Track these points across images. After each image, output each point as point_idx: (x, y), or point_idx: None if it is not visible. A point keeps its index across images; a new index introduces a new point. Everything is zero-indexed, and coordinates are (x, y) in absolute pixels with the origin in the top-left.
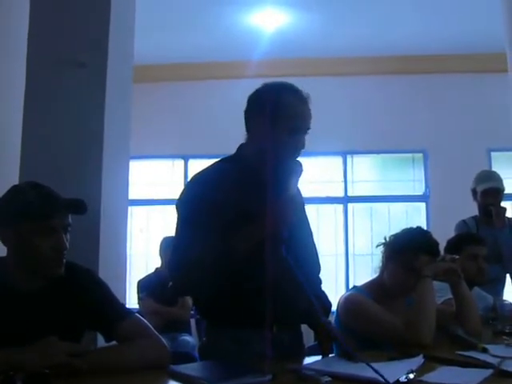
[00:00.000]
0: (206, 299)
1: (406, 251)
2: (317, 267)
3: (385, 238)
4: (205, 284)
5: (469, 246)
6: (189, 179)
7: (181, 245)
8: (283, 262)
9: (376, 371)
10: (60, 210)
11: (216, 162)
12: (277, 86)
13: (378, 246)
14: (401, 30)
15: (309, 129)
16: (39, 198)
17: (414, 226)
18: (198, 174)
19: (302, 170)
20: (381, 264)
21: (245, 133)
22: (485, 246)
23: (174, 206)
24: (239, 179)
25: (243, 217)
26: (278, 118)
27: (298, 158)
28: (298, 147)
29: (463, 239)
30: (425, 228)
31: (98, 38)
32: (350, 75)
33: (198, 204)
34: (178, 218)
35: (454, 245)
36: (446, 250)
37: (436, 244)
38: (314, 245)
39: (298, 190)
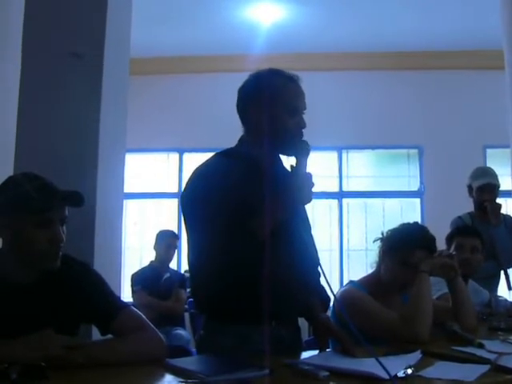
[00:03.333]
0: (205, 293)
1: (402, 246)
2: (316, 260)
3: (382, 233)
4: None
5: (456, 238)
6: (192, 173)
7: (207, 244)
8: (297, 250)
9: (381, 364)
10: (58, 202)
11: (217, 155)
12: (265, 72)
13: (375, 241)
14: (397, 25)
15: (305, 108)
16: (37, 190)
17: (411, 222)
18: (204, 167)
19: (309, 149)
20: (377, 259)
21: (241, 126)
22: (471, 237)
23: (181, 201)
24: (247, 171)
25: (258, 205)
26: (275, 102)
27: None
28: (300, 127)
29: (453, 232)
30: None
31: (95, 30)
32: (346, 70)
33: (215, 199)
34: (197, 216)
35: (447, 239)
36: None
37: (433, 240)
38: (313, 237)
39: None
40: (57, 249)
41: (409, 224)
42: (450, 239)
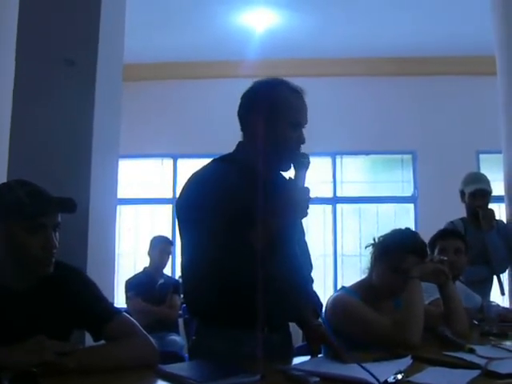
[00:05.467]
0: (197, 298)
1: (393, 252)
2: (309, 266)
3: (373, 239)
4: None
5: (438, 241)
6: (188, 179)
7: (200, 250)
8: (290, 256)
9: (368, 371)
10: (50, 208)
11: (214, 161)
12: (271, 82)
13: (366, 246)
14: (391, 32)
15: (306, 123)
16: (29, 196)
17: (403, 227)
18: (200, 173)
19: (309, 162)
20: (369, 265)
21: (239, 132)
22: (453, 239)
23: (176, 206)
24: (244, 177)
25: (254, 212)
26: (278, 114)
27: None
28: (299, 141)
29: (435, 236)
30: (413, 229)
31: (88, 35)
32: (340, 76)
33: (210, 205)
34: (192, 222)
35: (430, 244)
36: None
37: (424, 245)
38: (306, 243)
39: None
40: (50, 255)
41: (400, 230)
42: (432, 244)
